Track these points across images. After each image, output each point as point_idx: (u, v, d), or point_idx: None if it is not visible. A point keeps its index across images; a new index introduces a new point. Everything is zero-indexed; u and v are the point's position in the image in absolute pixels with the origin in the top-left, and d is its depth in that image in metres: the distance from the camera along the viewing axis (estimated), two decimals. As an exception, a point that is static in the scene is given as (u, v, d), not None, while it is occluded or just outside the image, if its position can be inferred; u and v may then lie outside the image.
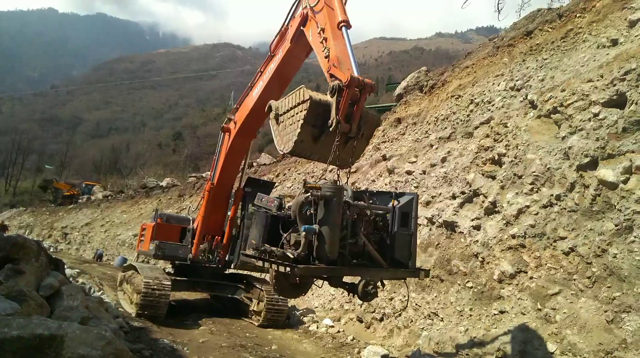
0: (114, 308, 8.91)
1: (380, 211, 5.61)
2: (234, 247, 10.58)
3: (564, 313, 6.35)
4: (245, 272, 11.35)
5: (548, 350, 6.17)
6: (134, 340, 7.17)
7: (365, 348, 8.15)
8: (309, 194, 4.91)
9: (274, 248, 5.08)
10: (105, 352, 4.35)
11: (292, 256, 4.81)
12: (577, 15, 10.49)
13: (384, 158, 14.03)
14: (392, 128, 15.43)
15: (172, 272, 11.03)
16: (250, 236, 5.70)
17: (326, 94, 5.22)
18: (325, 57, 5.54)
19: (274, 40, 7.78)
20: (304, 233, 4.77)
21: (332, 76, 5.22)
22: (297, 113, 5.29)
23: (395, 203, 5.64)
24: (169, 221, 11.70)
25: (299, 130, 5.21)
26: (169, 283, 9.43)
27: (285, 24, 7.37)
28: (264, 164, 26.59)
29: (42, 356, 4.07)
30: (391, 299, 9.45)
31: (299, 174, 20.00)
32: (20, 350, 3.96)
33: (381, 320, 9.38)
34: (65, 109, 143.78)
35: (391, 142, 14.78)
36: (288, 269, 4.67)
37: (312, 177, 18.49)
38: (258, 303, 10.18)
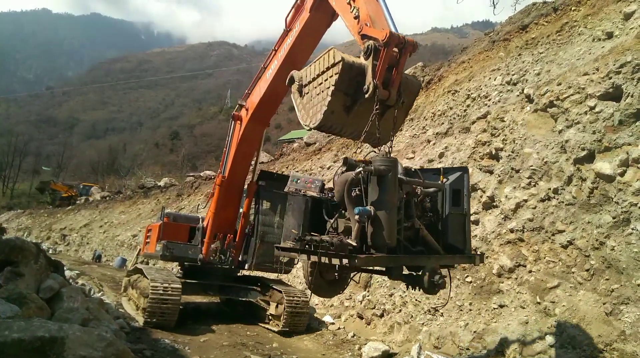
0: (114, 309, 8.91)
1: (431, 190, 4.93)
2: (247, 246, 9.90)
3: (563, 306, 6.39)
4: (260, 273, 10.74)
5: (548, 343, 6.20)
6: (135, 341, 7.19)
7: (365, 344, 8.18)
8: (361, 169, 4.20)
9: (324, 237, 4.31)
10: (107, 353, 4.36)
11: (355, 245, 4.04)
12: (572, 8, 10.50)
13: (382, 154, 14.03)
14: (389, 124, 15.41)
15: (181, 274, 10.35)
16: (286, 225, 4.97)
17: (359, 57, 4.55)
18: (355, 17, 4.89)
19: (288, 14, 7.24)
20: (356, 216, 4.04)
21: (364, 36, 4.60)
22: (326, 79, 4.58)
23: (444, 180, 5.00)
24: (177, 220, 10.95)
25: (329, 98, 4.49)
26: (179, 285, 8.73)
27: None
28: (262, 162, 26.59)
29: (43, 358, 4.07)
30: (391, 295, 9.47)
31: (297, 171, 19.99)
32: (21, 352, 3.96)
33: (381, 316, 9.41)
34: (61, 110, 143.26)
35: (388, 138, 14.76)
36: (345, 261, 4.00)
37: (311, 174, 18.50)
38: (277, 307, 9.44)
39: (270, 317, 9.69)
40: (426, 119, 13.20)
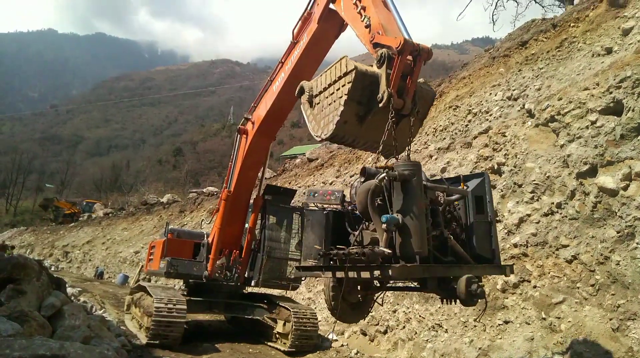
0: (116, 327, 8.85)
1: (454, 197, 4.65)
2: (253, 262, 9.65)
3: (569, 322, 6.31)
4: (267, 291, 10.54)
5: (554, 360, 6.11)
6: (136, 359, 7.12)
7: (369, 362, 8.08)
8: (384, 175, 3.96)
9: (352, 249, 4.04)
10: (108, 371, 4.32)
11: (389, 252, 3.75)
12: (571, 24, 10.61)
13: (384, 170, 14.06)
14: (391, 140, 15.48)
15: (186, 292, 10.08)
16: (305, 243, 4.73)
17: (372, 66, 4.46)
18: (366, 26, 4.81)
19: (295, 26, 7.17)
20: (383, 225, 3.79)
21: (376, 45, 4.52)
22: (338, 89, 4.46)
23: (465, 187, 4.80)
24: (181, 236, 10.70)
25: (341, 108, 4.36)
26: (184, 304, 8.50)
27: (309, 8, 6.80)
28: (265, 178, 26.61)
29: (44, 377, 4.03)
30: (394, 311, 9.39)
31: (299, 187, 20.01)
32: (22, 371, 3.93)
33: (385, 332, 9.31)
34: (65, 128, 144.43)
35: (390, 153, 14.81)
36: (377, 273, 3.76)
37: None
38: (284, 325, 9.15)
39: (277, 336, 9.41)
40: (428, 135, 13.24)
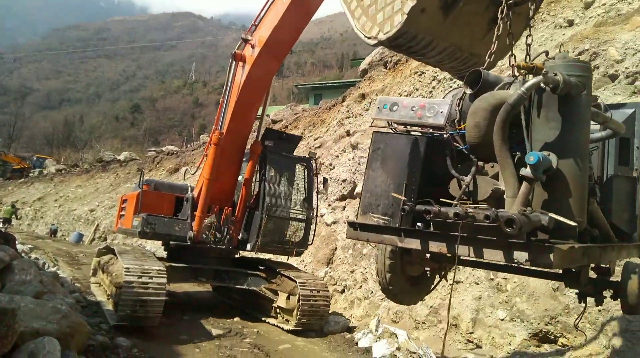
0: (70, 283, 8.68)
1: (597, 135, 3.03)
2: (249, 221, 8.22)
3: (514, 282, 6.70)
4: (265, 255, 9.19)
5: (499, 317, 6.51)
6: (91, 314, 7.03)
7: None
8: (538, 81, 2.42)
9: (472, 207, 2.50)
10: (62, 325, 4.25)
11: (573, 225, 2.29)
12: (537, -5, 10.74)
13: (348, 134, 14.11)
14: (356, 104, 15.48)
15: (165, 256, 8.68)
16: (368, 187, 3.15)
17: None
18: None
19: None
20: (527, 170, 2.30)
21: None
22: None
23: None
24: (159, 189, 8.89)
25: None
26: (164, 271, 6.77)
27: None
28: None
29: (-7, 331, 3.92)
30: (352, 271, 9.66)
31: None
32: (-31, 324, 3.81)
33: (342, 292, 9.59)
34: (12, 78, 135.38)
35: (355, 118, 14.84)
36: (523, 257, 2.31)
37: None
38: (288, 298, 7.61)
39: (278, 311, 7.96)
40: (392, 100, 13.32)
